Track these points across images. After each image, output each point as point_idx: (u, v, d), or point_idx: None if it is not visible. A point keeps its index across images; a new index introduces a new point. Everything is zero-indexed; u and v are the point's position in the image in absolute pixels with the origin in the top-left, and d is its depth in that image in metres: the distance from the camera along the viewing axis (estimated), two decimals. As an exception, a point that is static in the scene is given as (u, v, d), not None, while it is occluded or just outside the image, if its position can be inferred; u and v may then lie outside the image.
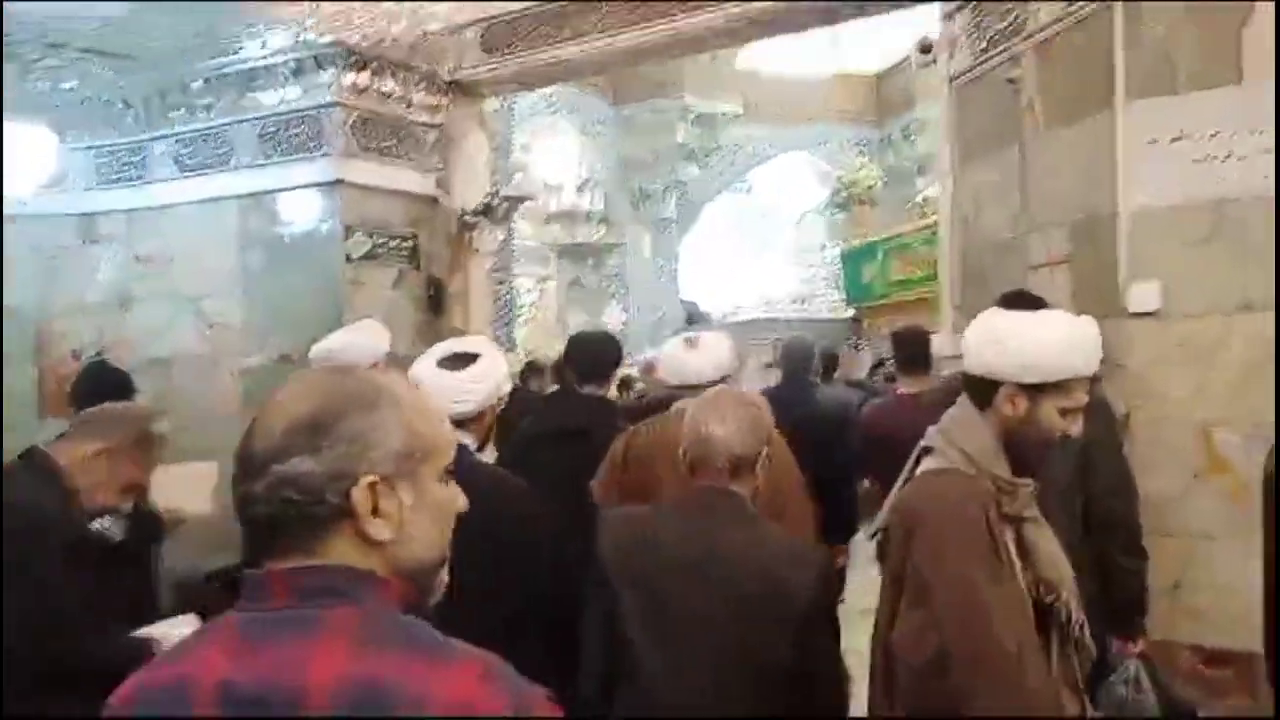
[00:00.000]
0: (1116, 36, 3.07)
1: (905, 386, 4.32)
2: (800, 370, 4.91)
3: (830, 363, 6.89)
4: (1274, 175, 2.85)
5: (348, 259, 5.07)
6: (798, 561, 1.90)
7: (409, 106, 5.28)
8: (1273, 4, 2.83)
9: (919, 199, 10.60)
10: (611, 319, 16.29)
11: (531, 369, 6.61)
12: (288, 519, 0.91)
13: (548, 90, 13.21)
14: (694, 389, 2.56)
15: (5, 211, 5.25)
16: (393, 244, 5.23)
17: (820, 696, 1.91)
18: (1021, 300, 2.83)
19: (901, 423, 4.11)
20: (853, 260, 12.03)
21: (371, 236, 5.14)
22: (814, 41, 17.82)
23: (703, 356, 2.72)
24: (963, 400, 1.94)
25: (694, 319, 18.39)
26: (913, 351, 4.33)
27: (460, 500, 1.03)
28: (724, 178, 16.86)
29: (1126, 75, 3.07)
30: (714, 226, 20.20)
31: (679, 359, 2.77)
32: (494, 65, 5.26)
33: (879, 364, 9.41)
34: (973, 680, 1.61)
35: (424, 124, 5.38)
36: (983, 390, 1.88)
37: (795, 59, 17.64)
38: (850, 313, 12.39)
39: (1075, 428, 1.88)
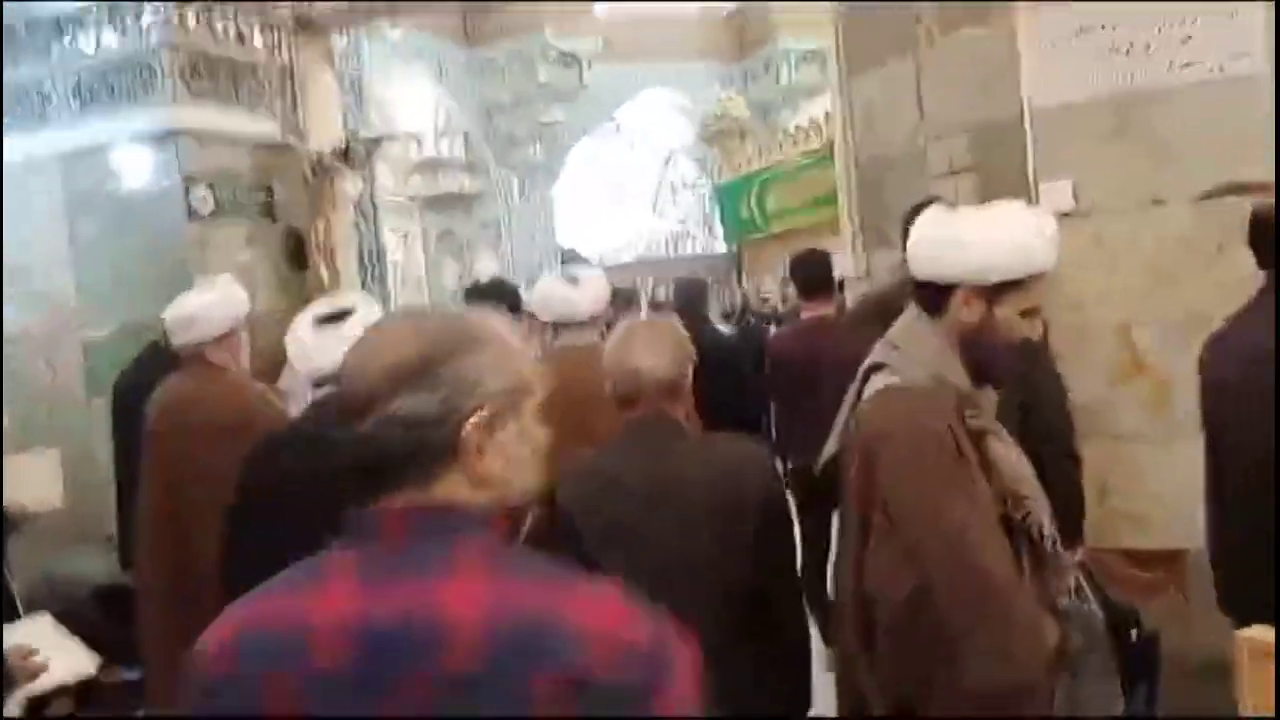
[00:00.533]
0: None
1: (809, 310, 4.18)
2: (695, 308, 4.73)
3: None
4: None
5: (191, 215, 4.57)
6: (747, 464, 1.86)
7: (246, 45, 4.76)
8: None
9: (792, 128, 10.50)
10: (485, 269, 15.81)
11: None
12: (400, 458, 0.90)
13: (397, 35, 12.54)
14: (574, 326, 2.65)
15: None
16: (242, 197, 4.75)
17: (785, 614, 1.84)
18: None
19: (815, 346, 3.99)
20: (728, 195, 11.92)
21: (216, 189, 4.64)
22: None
23: (583, 292, 2.74)
24: (911, 311, 1.75)
25: (570, 264, 18.11)
26: (814, 274, 4.18)
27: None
28: (590, 118, 16.47)
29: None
30: (583, 169, 19.84)
31: (559, 296, 2.77)
32: (342, -4, 4.81)
33: (744, 307, 9.33)
34: (959, 615, 1.44)
35: (265, 65, 4.88)
36: (935, 296, 1.69)
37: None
38: (729, 249, 12.29)
39: (1035, 329, 1.72)
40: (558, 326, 2.76)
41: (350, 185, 5.10)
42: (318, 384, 2.21)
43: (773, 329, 7.66)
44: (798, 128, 10.18)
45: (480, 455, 0.91)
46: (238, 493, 2.20)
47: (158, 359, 3.83)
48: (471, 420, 0.90)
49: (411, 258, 14.86)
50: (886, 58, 3.60)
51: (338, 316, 2.20)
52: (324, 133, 5.04)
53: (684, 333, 2.01)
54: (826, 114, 9.49)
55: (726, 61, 16.95)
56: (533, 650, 0.82)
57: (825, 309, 4.11)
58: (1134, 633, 2.38)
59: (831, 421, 1.86)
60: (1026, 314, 1.68)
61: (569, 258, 17.88)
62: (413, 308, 1.11)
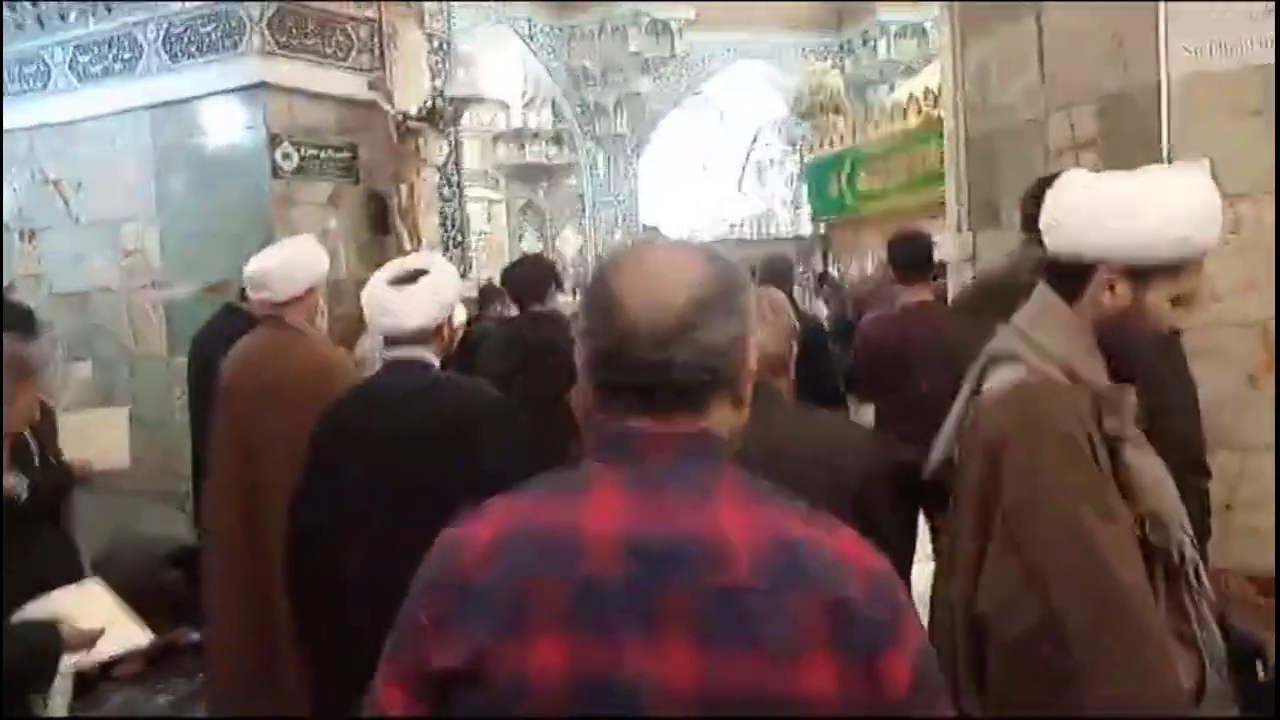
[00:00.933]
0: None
1: (907, 295, 3.93)
2: (781, 287, 4.52)
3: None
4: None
5: (275, 173, 4.52)
6: (850, 443, 1.81)
7: (336, -1, 4.68)
8: None
9: (889, 104, 10.11)
10: (567, 243, 15.76)
11: (488, 294, 6.13)
12: (696, 384, 0.93)
13: (487, 2, 12.46)
14: None
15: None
16: (326, 155, 4.68)
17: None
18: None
19: (912, 334, 3.76)
20: (818, 172, 11.56)
21: (300, 148, 4.58)
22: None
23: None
24: (1041, 294, 1.53)
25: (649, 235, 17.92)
26: (913, 256, 3.92)
27: None
28: (679, 89, 16.20)
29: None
30: (670, 142, 19.60)
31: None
32: (431, -51, 4.68)
33: (822, 277, 9.01)
34: (1089, 645, 1.24)
35: (354, 19, 4.79)
36: (1073, 278, 1.47)
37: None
38: (817, 229, 11.95)
39: (1186, 319, 1.50)
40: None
41: (435, 149, 5.00)
42: (391, 342, 2.20)
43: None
44: (895, 104, 9.77)
45: (746, 383, 0.97)
46: (312, 448, 2.22)
47: (235, 318, 3.79)
48: (750, 345, 0.96)
49: (494, 228, 14.86)
50: (1006, 18, 3.33)
51: (411, 277, 2.18)
52: (411, 93, 4.94)
53: (789, 306, 1.95)
54: (926, 90, 9.08)
55: (822, 34, 16.47)
56: (800, 573, 0.86)
57: (922, 294, 3.86)
58: (1259, 666, 2.14)
59: (927, 415, 1.73)
60: (1178, 302, 1.45)
61: (651, 233, 17.74)
62: (675, 241, 1.07)
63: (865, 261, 10.36)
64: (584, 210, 15.90)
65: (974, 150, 3.51)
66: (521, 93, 14.58)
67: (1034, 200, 2.54)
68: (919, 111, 9.20)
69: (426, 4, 5.14)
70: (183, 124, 4.72)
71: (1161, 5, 2.70)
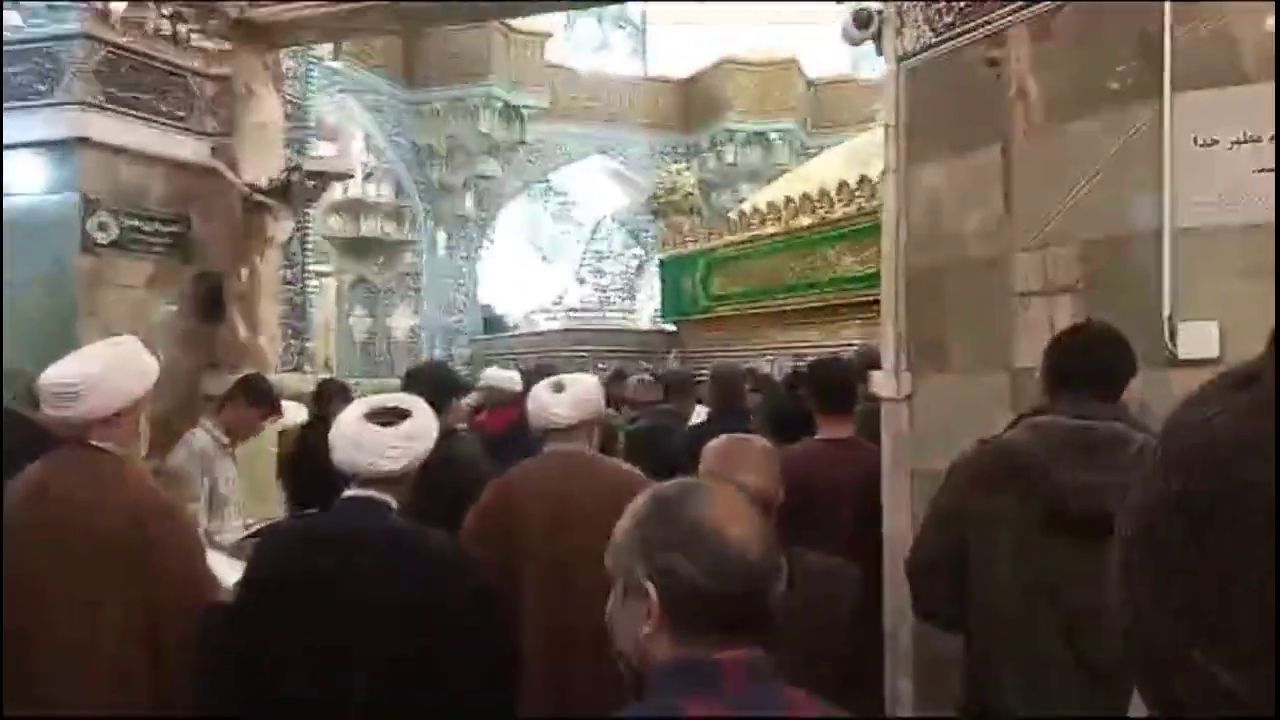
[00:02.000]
0: (1166, 9, 2.42)
1: (828, 430, 3.55)
2: (736, 402, 4.13)
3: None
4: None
5: (88, 246, 3.71)
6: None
7: (180, 46, 3.97)
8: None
9: (748, 208, 10.05)
10: (400, 322, 14.91)
11: (329, 391, 5.38)
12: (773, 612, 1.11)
13: (333, 63, 11.77)
14: (561, 432, 2.60)
15: None
16: (152, 227, 3.91)
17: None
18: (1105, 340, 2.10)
19: (838, 474, 3.37)
20: (671, 270, 11.36)
21: (119, 217, 3.80)
22: (623, 41, 17.31)
23: (570, 398, 2.63)
24: None
25: (492, 324, 17.28)
26: (837, 386, 3.55)
27: None
28: (527, 175, 15.88)
29: (1174, 59, 2.43)
30: (512, 227, 19.19)
31: (543, 402, 2.66)
32: (299, 4, 4.06)
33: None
34: None
35: (200, 72, 4.09)
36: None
37: (604, 58, 17.00)
38: (668, 326, 11.72)
39: None
40: (547, 433, 2.64)
41: (284, 225, 4.31)
42: (356, 480, 2.10)
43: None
44: (753, 210, 9.73)
45: None
46: (246, 589, 2.13)
47: (20, 428, 2.98)
48: None
49: (322, 303, 13.86)
50: (962, 147, 3.06)
51: (394, 417, 2.13)
52: (263, 158, 4.25)
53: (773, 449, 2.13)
54: (788, 199, 9.09)
55: (670, 135, 16.64)
56: None
57: (844, 430, 3.50)
58: None
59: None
60: None
61: (487, 316, 17.14)
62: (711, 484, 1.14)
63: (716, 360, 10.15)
64: (419, 290, 15.14)
65: (918, 284, 3.20)
66: (362, 164, 13.80)
67: (1066, 355, 2.23)
68: (779, 219, 9.18)
69: (285, 63, 4.46)
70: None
71: (1167, 148, 2.46)
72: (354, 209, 14.09)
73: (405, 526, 2.11)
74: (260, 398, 3.91)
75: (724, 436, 2.16)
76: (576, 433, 2.61)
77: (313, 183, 4.13)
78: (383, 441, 2.07)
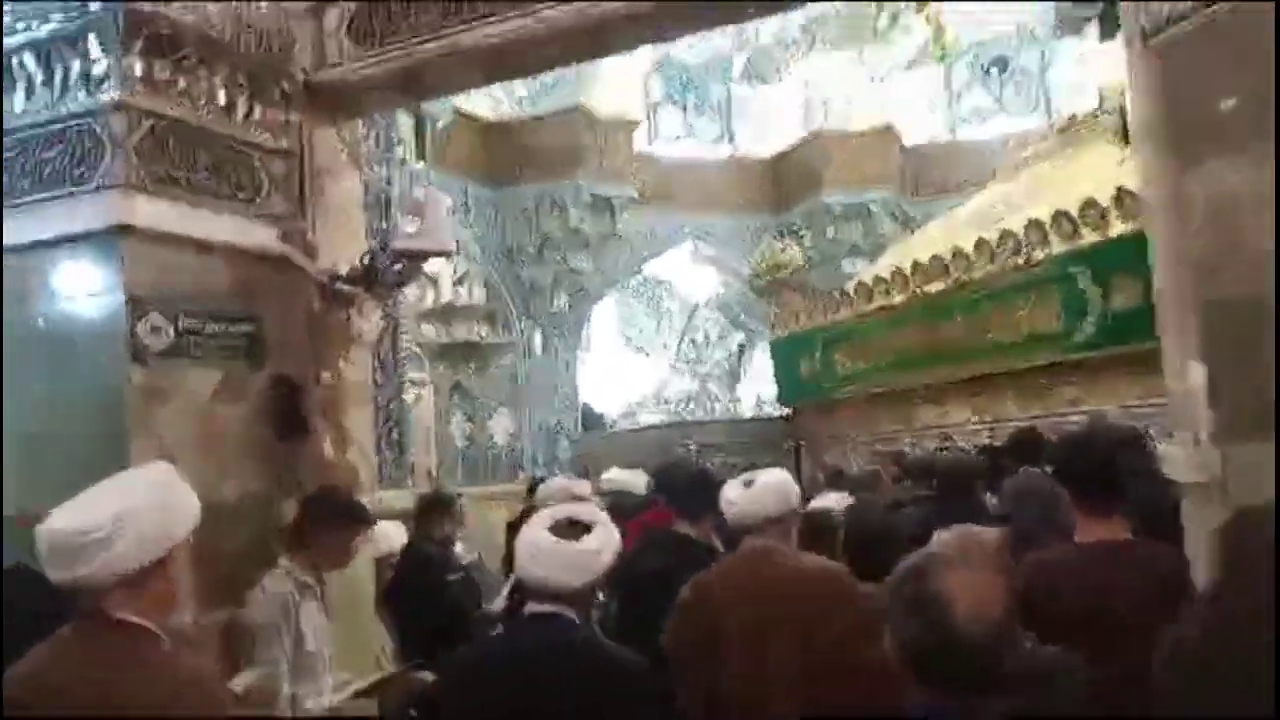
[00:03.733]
0: None
1: (1087, 531, 2.62)
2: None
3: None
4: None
5: (139, 355, 3.08)
6: None
7: (240, 118, 3.38)
8: None
9: (868, 279, 9.22)
10: (500, 428, 14.31)
11: (434, 509, 4.66)
12: None
13: (414, 165, 11.46)
14: (756, 528, 2.59)
15: None
16: (214, 328, 3.26)
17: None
18: None
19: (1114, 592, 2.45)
20: (784, 351, 10.53)
21: (177, 319, 3.16)
22: (708, 126, 16.89)
23: (757, 493, 2.65)
24: None
25: (591, 422, 16.60)
26: (1096, 474, 2.63)
27: None
28: (620, 268, 15.35)
29: None
30: (608, 320, 18.66)
31: (731, 499, 2.69)
32: (370, 60, 3.46)
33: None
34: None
35: (265, 147, 3.49)
36: None
37: (688, 144, 16.57)
38: (784, 411, 10.83)
39: None
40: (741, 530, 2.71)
41: (372, 320, 3.64)
42: (536, 595, 2.08)
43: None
44: (864, 283, 8.88)
45: None
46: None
47: (34, 590, 2.30)
48: None
49: (421, 414, 13.38)
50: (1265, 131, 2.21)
51: (576, 529, 2.11)
52: (343, 242, 3.61)
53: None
54: (897, 268, 8.25)
55: (761, 215, 15.98)
56: None
57: (1112, 530, 2.57)
58: None
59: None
60: None
61: (586, 416, 16.49)
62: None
63: (844, 453, 9.20)
64: (516, 393, 14.57)
65: (1218, 321, 2.31)
66: (452, 267, 13.45)
67: None
68: (905, 287, 8.32)
69: (359, 126, 3.87)
70: (15, 281, 3.26)
71: None
72: (446, 314, 13.69)
73: (592, 640, 2.11)
74: (337, 512, 3.19)
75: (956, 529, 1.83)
76: (771, 528, 2.61)
77: (400, 265, 3.46)
78: (563, 556, 2.05)
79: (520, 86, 15.14)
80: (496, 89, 14.96)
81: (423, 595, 4.01)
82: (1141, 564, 2.47)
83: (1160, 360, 6.11)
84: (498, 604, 4.38)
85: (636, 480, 5.51)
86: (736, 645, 2.42)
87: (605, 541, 2.11)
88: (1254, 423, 2.23)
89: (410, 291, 12.57)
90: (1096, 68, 14.20)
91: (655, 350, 20.27)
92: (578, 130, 13.43)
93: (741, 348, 20.66)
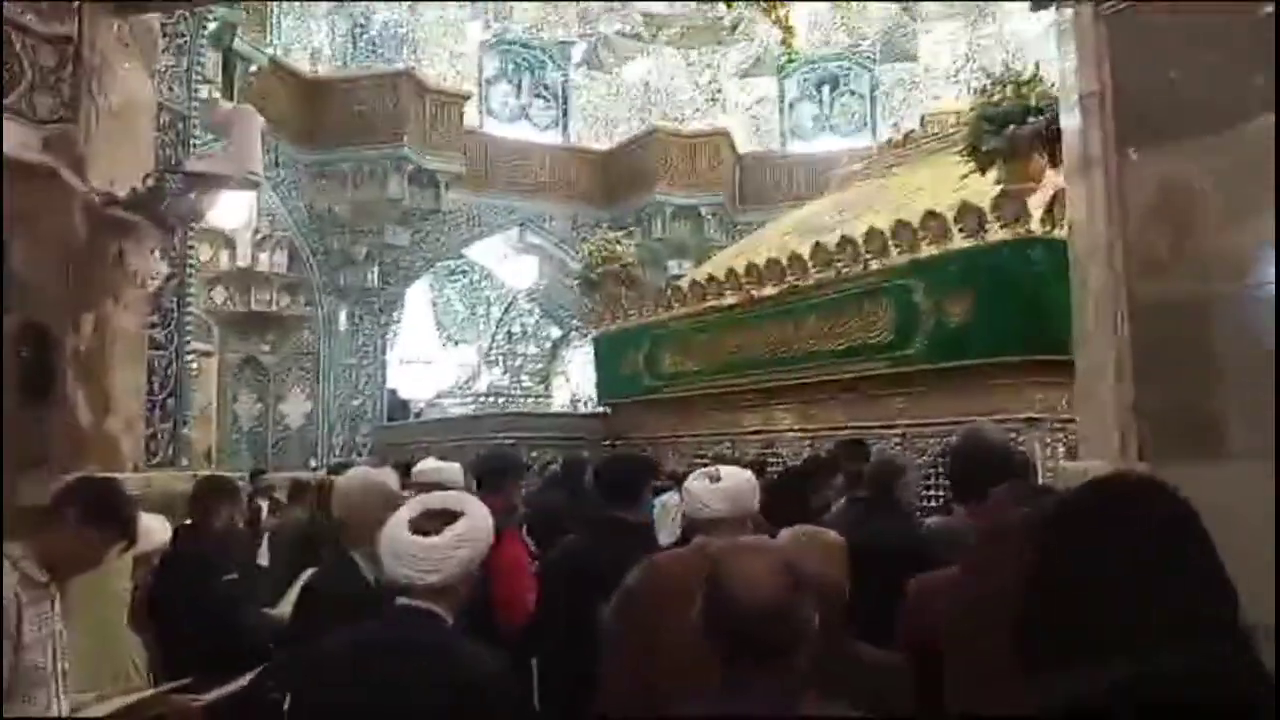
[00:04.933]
0: None
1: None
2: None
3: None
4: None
5: None
6: None
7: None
8: None
9: (698, 276, 9.02)
10: (295, 409, 13.24)
11: (214, 494, 3.95)
12: None
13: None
14: (711, 524, 2.59)
15: None
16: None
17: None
18: None
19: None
20: (608, 347, 10.19)
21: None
22: (543, 111, 16.38)
23: (725, 491, 2.62)
24: None
25: (396, 411, 15.70)
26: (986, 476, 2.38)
27: None
28: (440, 248, 14.58)
29: None
30: (421, 303, 17.78)
31: (697, 493, 2.66)
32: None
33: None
34: None
35: (32, 30, 2.76)
36: None
37: (522, 126, 16.01)
38: (603, 409, 10.48)
39: None
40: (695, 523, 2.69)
41: (153, 258, 2.96)
42: (402, 590, 1.98)
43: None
44: (709, 278, 8.67)
45: None
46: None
47: None
48: None
49: (203, 386, 12.15)
50: (1221, 119, 2.00)
51: (438, 518, 2.01)
52: (120, 162, 2.91)
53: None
54: (730, 270, 8.09)
55: (593, 208, 15.65)
56: None
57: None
58: None
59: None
60: None
61: (392, 401, 15.60)
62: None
63: (666, 454, 8.94)
64: (316, 372, 13.54)
65: (1152, 329, 2.09)
66: (251, 229, 12.31)
67: None
68: (730, 291, 8.16)
69: (152, 23, 3.17)
70: None
71: None
72: (243, 280, 12.54)
73: (454, 640, 2.00)
74: (100, 513, 2.53)
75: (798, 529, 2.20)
76: (727, 527, 2.54)
77: (194, 192, 2.81)
78: (420, 551, 1.97)
79: (346, 44, 14.16)
80: (319, 41, 13.92)
81: (188, 599, 3.33)
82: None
83: (986, 376, 6.09)
84: (285, 606, 3.76)
85: (454, 473, 5.00)
86: (674, 639, 2.31)
87: (470, 533, 2.00)
88: (1188, 441, 2.01)
89: (201, 253, 11.43)
90: (925, 92, 14.81)
91: (468, 338, 19.55)
92: (404, 97, 12.63)
93: (555, 343, 20.26)
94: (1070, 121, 2.26)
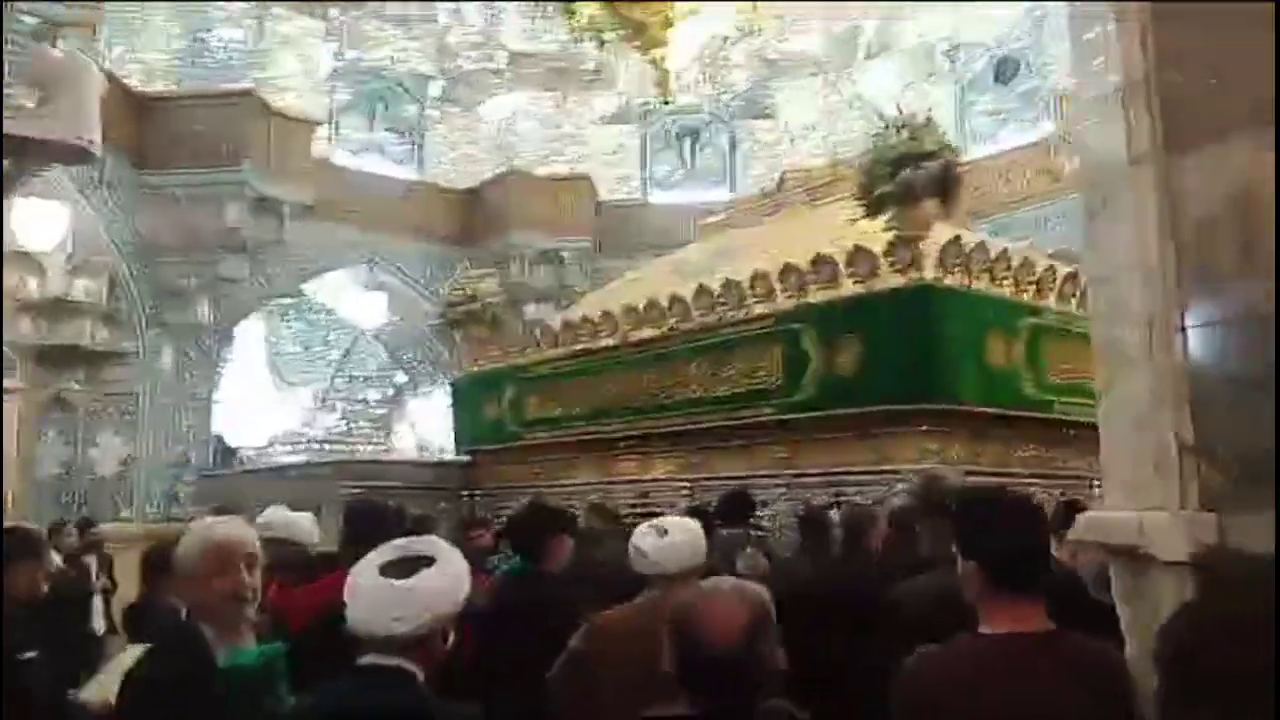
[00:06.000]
0: None
1: (1009, 619, 1.99)
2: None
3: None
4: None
5: None
6: None
7: None
8: None
9: (572, 316, 8.60)
10: (108, 454, 11.86)
11: (13, 548, 3.18)
12: None
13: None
14: (667, 579, 2.57)
15: None
16: None
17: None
18: None
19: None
20: (468, 391, 9.59)
21: None
22: (397, 145, 15.68)
23: (674, 544, 2.63)
24: None
25: (225, 458, 14.39)
26: (1024, 547, 2.02)
27: None
28: (280, 282, 13.57)
29: None
30: (256, 340, 16.55)
31: (645, 549, 2.63)
32: None
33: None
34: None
35: None
36: None
37: (373, 158, 15.26)
38: (462, 458, 9.81)
39: None
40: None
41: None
42: (368, 646, 1.83)
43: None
44: (583, 319, 8.25)
45: None
46: None
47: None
48: None
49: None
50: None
51: (410, 567, 1.85)
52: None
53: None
54: (628, 307, 7.72)
55: (448, 248, 15.01)
56: None
57: (1035, 616, 1.99)
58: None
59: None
60: None
61: (218, 449, 14.32)
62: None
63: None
64: (134, 414, 12.24)
65: (1215, 351, 1.80)
66: (66, 254, 11.05)
67: None
68: (593, 334, 7.80)
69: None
70: None
71: None
72: (54, 310, 11.22)
73: (425, 702, 1.83)
74: None
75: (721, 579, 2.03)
76: (676, 582, 2.51)
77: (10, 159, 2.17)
78: (395, 597, 1.80)
79: (182, 60, 13.14)
80: (153, 55, 12.85)
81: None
82: (1076, 665, 1.89)
83: (875, 425, 5.86)
84: (93, 689, 3.03)
85: (306, 525, 4.38)
86: (616, 697, 2.33)
87: (447, 577, 1.87)
88: (1259, 484, 1.72)
89: (7, 278, 10.14)
90: (781, 150, 15.05)
91: (304, 381, 18.38)
92: (247, 119, 11.74)
93: (400, 389, 19.33)
94: (1097, 120, 1.98)
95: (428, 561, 1.87)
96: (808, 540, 4.39)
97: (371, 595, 1.83)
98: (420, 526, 5.49)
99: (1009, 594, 1.98)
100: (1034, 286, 6.36)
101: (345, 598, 1.87)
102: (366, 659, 1.83)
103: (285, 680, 2.20)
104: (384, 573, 1.84)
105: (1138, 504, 1.86)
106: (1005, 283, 6.20)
